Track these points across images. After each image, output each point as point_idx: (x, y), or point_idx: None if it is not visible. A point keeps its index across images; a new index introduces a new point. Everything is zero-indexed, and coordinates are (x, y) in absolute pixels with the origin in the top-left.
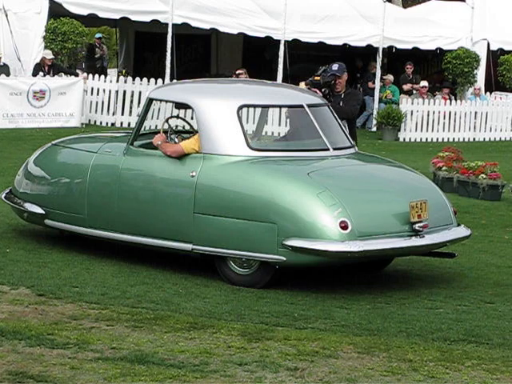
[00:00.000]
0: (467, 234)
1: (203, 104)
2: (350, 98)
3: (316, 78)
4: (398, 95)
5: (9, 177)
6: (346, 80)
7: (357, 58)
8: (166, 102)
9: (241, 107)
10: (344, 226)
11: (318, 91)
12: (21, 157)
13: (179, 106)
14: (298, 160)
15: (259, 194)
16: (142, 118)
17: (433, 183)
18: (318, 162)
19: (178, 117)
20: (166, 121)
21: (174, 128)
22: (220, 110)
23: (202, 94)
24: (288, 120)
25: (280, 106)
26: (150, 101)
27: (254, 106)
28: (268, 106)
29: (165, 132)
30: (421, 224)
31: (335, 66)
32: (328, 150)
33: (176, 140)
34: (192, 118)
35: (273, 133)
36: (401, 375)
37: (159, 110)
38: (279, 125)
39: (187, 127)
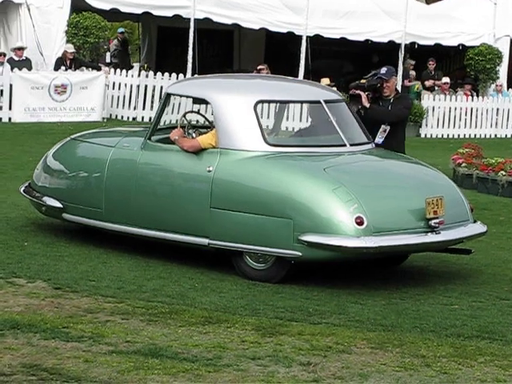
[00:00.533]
0: (483, 231)
1: (220, 99)
2: (398, 103)
3: (362, 80)
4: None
5: (29, 171)
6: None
7: (373, 54)
8: (184, 97)
9: (258, 103)
10: (360, 222)
11: (361, 94)
12: (41, 151)
13: (197, 101)
14: (314, 156)
15: (275, 189)
16: (160, 112)
17: (449, 179)
18: (334, 157)
19: (196, 112)
20: (184, 116)
21: (193, 123)
22: (237, 106)
23: (219, 89)
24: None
25: (297, 102)
26: (168, 96)
27: (271, 102)
28: (285, 102)
29: (182, 127)
30: (437, 220)
31: (383, 70)
32: (345, 145)
33: (193, 135)
34: (212, 114)
35: (293, 128)
36: (413, 371)
37: (180, 104)
38: (300, 120)
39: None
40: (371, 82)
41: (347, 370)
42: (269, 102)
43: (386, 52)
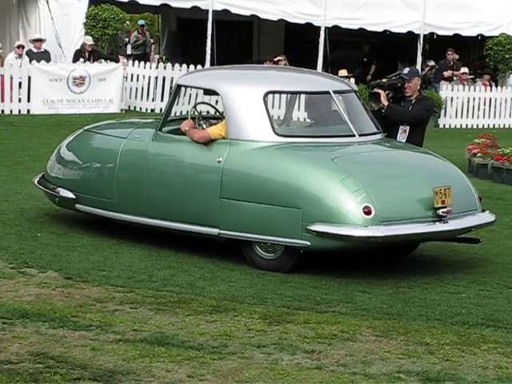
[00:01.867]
0: (492, 220)
1: (230, 90)
2: (419, 104)
3: (383, 79)
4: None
5: (45, 162)
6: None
7: (364, 43)
8: (194, 88)
9: (267, 93)
10: (367, 212)
11: (381, 92)
12: (59, 143)
13: (207, 92)
14: (323, 146)
15: (284, 179)
16: (171, 103)
17: (457, 169)
18: (343, 147)
19: (206, 103)
20: (194, 107)
21: (204, 114)
22: (246, 97)
23: (229, 80)
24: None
25: (306, 93)
26: (179, 87)
27: (281, 93)
28: (294, 93)
29: (193, 118)
30: (444, 209)
31: (406, 70)
32: (354, 136)
33: (204, 126)
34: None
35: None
36: (416, 358)
37: (196, 95)
38: None
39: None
40: (392, 81)
41: (351, 357)
42: (278, 92)
43: (405, 42)
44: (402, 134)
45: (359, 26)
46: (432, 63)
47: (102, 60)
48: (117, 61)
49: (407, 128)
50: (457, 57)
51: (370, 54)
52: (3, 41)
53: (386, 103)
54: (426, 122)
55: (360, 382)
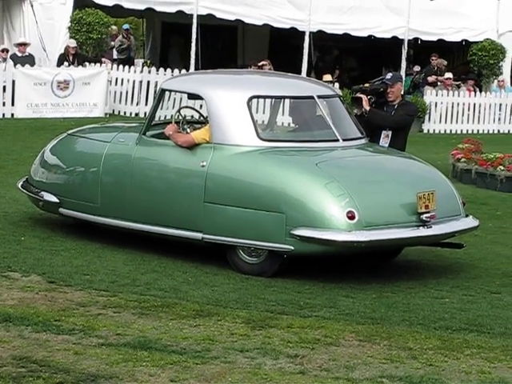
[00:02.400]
0: (475, 225)
1: (214, 95)
2: (401, 109)
3: (366, 84)
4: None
5: (29, 166)
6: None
7: (333, 48)
8: (178, 92)
9: (251, 98)
10: (351, 216)
11: (362, 96)
12: (43, 147)
13: (191, 96)
14: (307, 151)
15: (268, 184)
16: (155, 108)
17: (441, 174)
18: (327, 152)
19: (191, 107)
20: (179, 111)
21: (188, 118)
22: (230, 101)
23: (213, 84)
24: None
25: (290, 97)
26: (163, 91)
27: (265, 97)
28: (278, 97)
29: (177, 122)
30: (428, 214)
31: (388, 75)
32: (338, 140)
33: (188, 130)
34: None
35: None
36: (399, 363)
37: (180, 99)
38: None
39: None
40: (374, 85)
41: (334, 362)
42: (262, 97)
43: (389, 47)
44: (385, 139)
45: (344, 31)
46: (418, 68)
47: (87, 63)
48: (101, 62)
49: (390, 133)
50: (445, 63)
51: (339, 59)
52: None
53: (367, 108)
54: (408, 127)
55: None
